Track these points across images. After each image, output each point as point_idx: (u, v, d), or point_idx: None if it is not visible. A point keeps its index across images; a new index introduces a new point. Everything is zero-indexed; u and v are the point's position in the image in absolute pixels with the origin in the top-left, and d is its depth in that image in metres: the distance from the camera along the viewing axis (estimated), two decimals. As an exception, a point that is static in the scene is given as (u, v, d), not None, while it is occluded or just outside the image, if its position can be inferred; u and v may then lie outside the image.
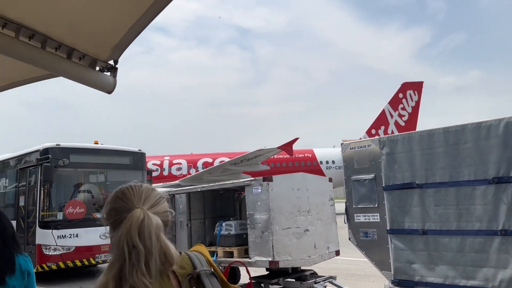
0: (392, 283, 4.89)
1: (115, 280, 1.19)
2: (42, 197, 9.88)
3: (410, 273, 4.78)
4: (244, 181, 6.75)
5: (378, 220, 5.07)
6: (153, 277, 1.21)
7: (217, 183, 7.48)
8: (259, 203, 6.43)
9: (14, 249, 2.50)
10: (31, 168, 10.44)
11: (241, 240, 6.99)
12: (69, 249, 9.82)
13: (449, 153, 4.64)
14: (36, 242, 9.77)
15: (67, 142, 10.44)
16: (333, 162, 38.23)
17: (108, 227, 1.34)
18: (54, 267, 9.70)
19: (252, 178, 6.68)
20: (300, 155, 36.22)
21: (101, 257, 10.21)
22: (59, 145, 10.19)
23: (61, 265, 9.78)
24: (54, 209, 10.05)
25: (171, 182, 31.75)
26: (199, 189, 7.58)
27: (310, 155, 38.24)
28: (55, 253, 9.70)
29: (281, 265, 6.27)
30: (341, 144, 5.78)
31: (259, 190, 6.46)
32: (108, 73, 3.08)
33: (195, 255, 1.40)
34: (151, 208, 1.30)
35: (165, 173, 34.65)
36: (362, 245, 5.23)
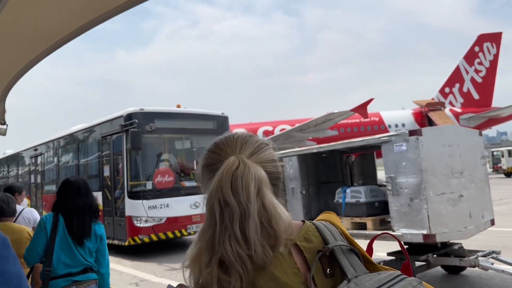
0: None
1: (210, 250, 0.90)
2: (129, 165, 9.24)
3: None
4: (380, 137, 5.49)
5: None
6: (253, 249, 0.89)
7: (342, 142, 6.26)
8: (404, 163, 5.17)
9: (94, 217, 3.00)
10: (114, 135, 9.81)
11: (373, 209, 5.82)
12: (160, 220, 9.19)
13: None
14: (126, 214, 9.22)
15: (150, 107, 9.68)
16: (403, 125, 35.83)
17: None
18: (146, 239, 9.14)
19: (393, 133, 5.41)
20: (366, 120, 34.17)
21: (192, 228, 9.52)
22: (143, 109, 9.45)
23: (153, 237, 9.19)
24: (142, 178, 9.40)
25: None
26: (315, 150, 6.42)
27: (377, 119, 36.05)
28: (147, 224, 9.11)
29: (438, 239, 5.03)
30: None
31: (404, 147, 5.18)
32: None
33: (324, 225, 1.03)
34: (252, 156, 1.00)
35: (226, 142, 34.06)
36: None
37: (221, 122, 10.85)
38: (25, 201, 5.45)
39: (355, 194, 5.87)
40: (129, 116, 9.32)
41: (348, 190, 5.95)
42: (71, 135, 12.20)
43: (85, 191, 3.01)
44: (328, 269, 0.97)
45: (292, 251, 0.97)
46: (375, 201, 5.79)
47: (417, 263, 5.57)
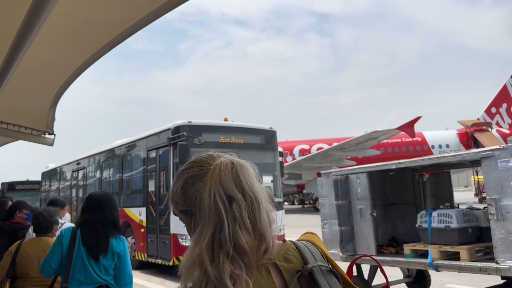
0: None
1: (213, 248, 0.90)
2: (175, 180, 8.75)
3: None
4: (480, 152, 4.69)
5: None
6: (266, 239, 0.93)
7: (429, 157, 5.50)
8: None
9: (111, 232, 2.82)
10: (161, 149, 9.40)
11: (466, 237, 4.97)
12: (207, 240, 8.60)
13: None
14: (171, 232, 8.69)
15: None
16: (447, 146, 34.31)
17: (183, 211, 1.04)
18: (192, 260, 8.53)
19: (496, 147, 4.61)
20: (408, 139, 32.89)
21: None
22: (191, 122, 9.02)
23: (199, 258, 8.58)
24: (188, 194, 8.88)
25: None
26: (393, 166, 5.66)
27: (420, 139, 34.63)
28: (193, 244, 8.52)
29: (557, 274, 4.16)
30: None
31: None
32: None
33: (305, 246, 1.04)
34: (234, 158, 1.04)
35: (261, 161, 33.48)
36: None
37: (269, 136, 10.28)
38: (67, 215, 5.27)
39: (444, 218, 5.04)
40: (177, 129, 8.90)
41: (434, 214, 5.14)
42: (115, 149, 11.94)
43: (100, 205, 2.87)
44: None
45: (271, 270, 0.97)
46: (469, 226, 4.96)
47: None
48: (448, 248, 4.94)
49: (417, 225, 5.36)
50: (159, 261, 9.02)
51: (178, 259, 8.57)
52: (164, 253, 8.91)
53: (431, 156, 5.44)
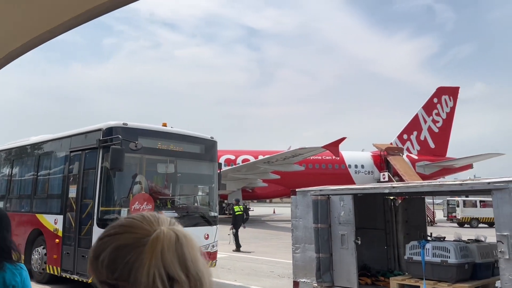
0: None
1: None
2: (102, 187, 7.87)
3: None
4: (490, 182, 4.40)
5: None
6: None
7: (430, 183, 5.32)
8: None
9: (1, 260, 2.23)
10: (87, 150, 8.43)
11: (463, 273, 4.71)
12: (134, 255, 7.80)
13: None
14: (92, 245, 7.75)
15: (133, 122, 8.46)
16: (362, 166, 36.37)
17: (107, 283, 0.84)
18: (114, 277, 7.67)
19: (510, 178, 4.34)
20: (328, 157, 34.28)
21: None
22: (126, 124, 8.20)
23: (123, 274, 7.74)
24: (116, 204, 8.03)
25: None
26: (386, 190, 5.35)
27: (338, 158, 36.24)
28: (117, 259, 7.67)
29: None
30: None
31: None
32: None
33: None
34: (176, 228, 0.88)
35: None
36: None
37: (210, 146, 9.80)
38: None
39: (440, 252, 4.74)
40: (110, 131, 8.04)
41: (428, 246, 4.86)
42: (31, 146, 10.54)
43: None
44: None
45: None
46: (466, 262, 4.72)
47: None
48: (444, 285, 4.58)
49: (406, 257, 5.11)
50: (76, 277, 8.01)
51: (98, 276, 7.67)
52: (82, 268, 7.92)
53: (432, 182, 5.29)
